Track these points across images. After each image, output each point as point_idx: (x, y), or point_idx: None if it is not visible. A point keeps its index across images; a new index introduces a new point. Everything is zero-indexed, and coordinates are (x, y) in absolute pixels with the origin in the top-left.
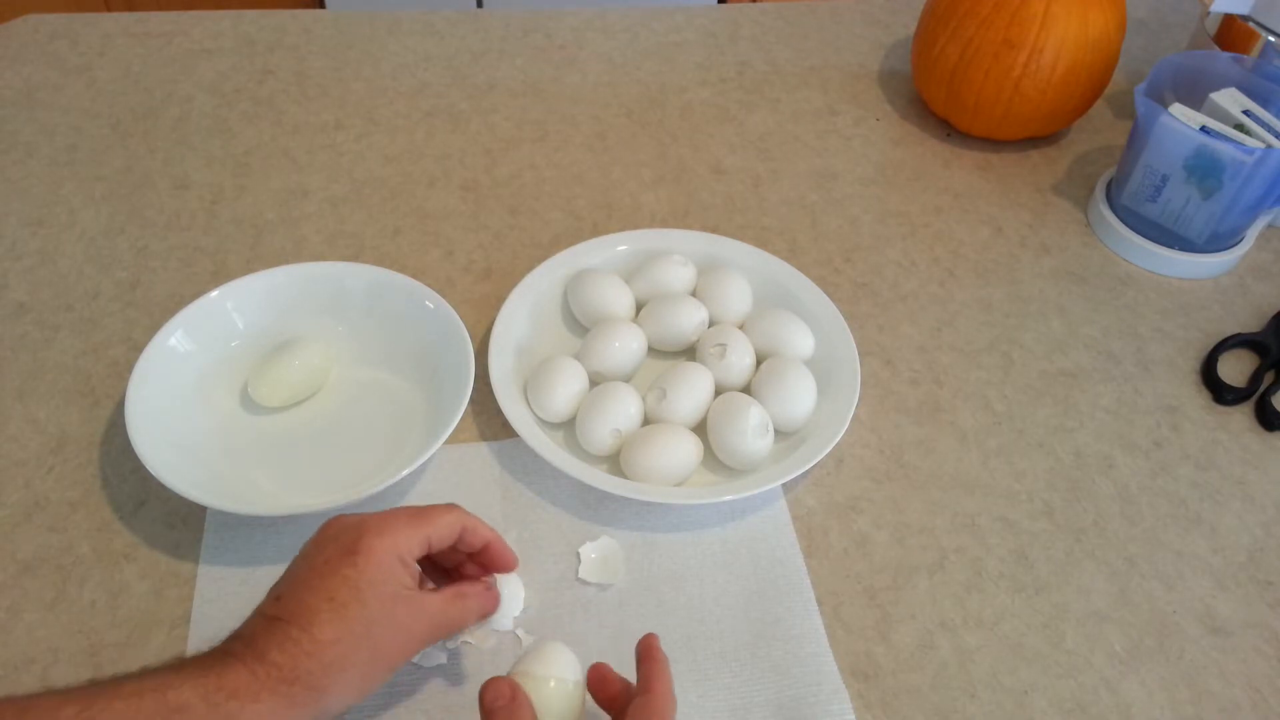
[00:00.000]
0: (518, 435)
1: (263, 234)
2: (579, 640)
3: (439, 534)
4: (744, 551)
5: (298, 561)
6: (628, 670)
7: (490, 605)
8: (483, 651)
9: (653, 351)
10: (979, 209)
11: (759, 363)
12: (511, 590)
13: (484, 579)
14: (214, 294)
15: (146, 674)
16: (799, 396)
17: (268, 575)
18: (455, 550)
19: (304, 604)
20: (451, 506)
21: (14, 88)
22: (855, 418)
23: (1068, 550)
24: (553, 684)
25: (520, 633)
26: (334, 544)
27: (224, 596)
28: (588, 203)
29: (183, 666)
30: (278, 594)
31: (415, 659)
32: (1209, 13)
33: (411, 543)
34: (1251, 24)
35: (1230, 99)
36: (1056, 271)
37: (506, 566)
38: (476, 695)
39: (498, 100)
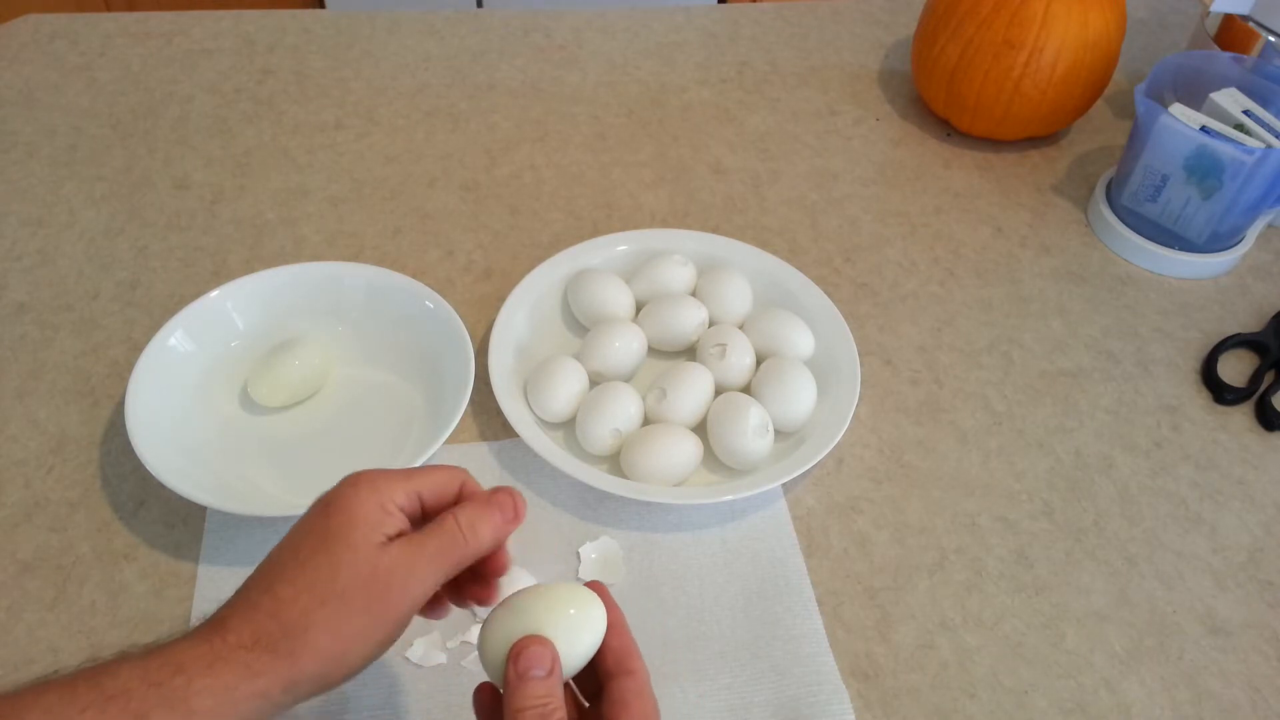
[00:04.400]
0: (518, 435)
1: (263, 234)
2: None
3: (431, 486)
4: (744, 551)
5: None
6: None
7: (505, 511)
8: None
9: (653, 351)
10: (979, 209)
11: (759, 363)
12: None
13: (491, 494)
14: (214, 294)
15: (89, 664)
16: (799, 396)
17: None
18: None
19: (270, 564)
20: (454, 467)
21: (14, 88)
22: (855, 418)
23: (1068, 550)
24: (573, 612)
25: None
26: (315, 503)
27: (224, 596)
28: (588, 203)
29: (130, 651)
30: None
31: (415, 659)
32: (1209, 13)
33: (395, 489)
34: (1251, 24)
35: (1230, 99)
36: (1056, 271)
37: (500, 538)
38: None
39: (498, 100)
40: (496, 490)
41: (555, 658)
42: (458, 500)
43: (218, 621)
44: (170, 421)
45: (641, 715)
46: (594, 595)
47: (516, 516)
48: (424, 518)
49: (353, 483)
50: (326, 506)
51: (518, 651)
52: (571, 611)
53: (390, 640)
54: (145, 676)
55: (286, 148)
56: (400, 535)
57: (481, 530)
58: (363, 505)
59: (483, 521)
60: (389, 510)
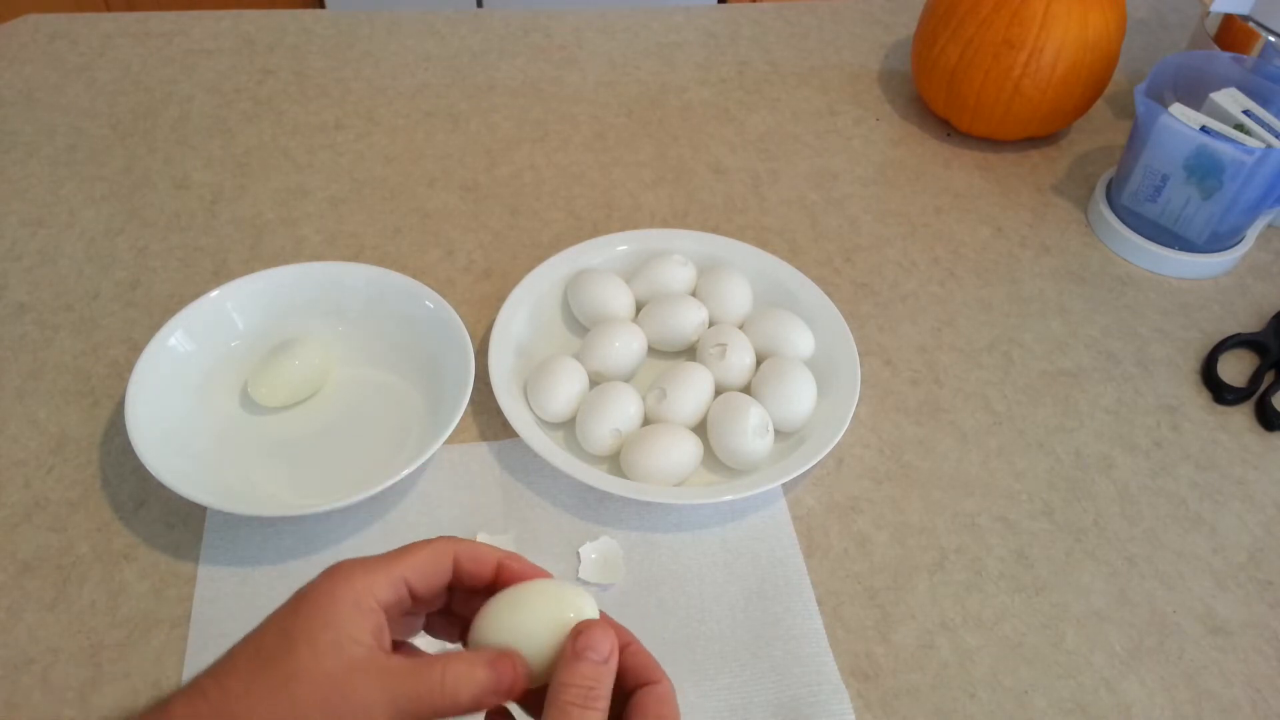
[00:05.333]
0: (518, 435)
1: (263, 234)
2: None
3: (419, 569)
4: (744, 551)
5: None
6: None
7: (501, 681)
8: None
9: (653, 351)
10: (979, 209)
11: (759, 363)
12: None
13: (503, 650)
14: (214, 294)
15: None
16: (799, 396)
17: (267, 575)
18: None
19: (230, 656)
20: (441, 538)
21: (14, 88)
22: (855, 418)
23: (1068, 550)
24: (572, 615)
25: None
26: (296, 592)
27: (224, 596)
28: (588, 203)
29: None
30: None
31: None
32: (1209, 13)
33: (376, 580)
34: (1251, 24)
35: (1230, 99)
36: (1056, 271)
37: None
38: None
39: (498, 100)
40: (502, 654)
41: (614, 648)
42: (452, 579)
43: (162, 705)
44: (170, 421)
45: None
46: (588, 595)
47: (510, 691)
48: (415, 602)
49: (330, 575)
50: (299, 601)
51: (579, 630)
52: (570, 614)
53: None
54: None
55: (286, 148)
56: (378, 633)
57: (463, 690)
58: (336, 603)
59: (468, 681)
60: (367, 607)
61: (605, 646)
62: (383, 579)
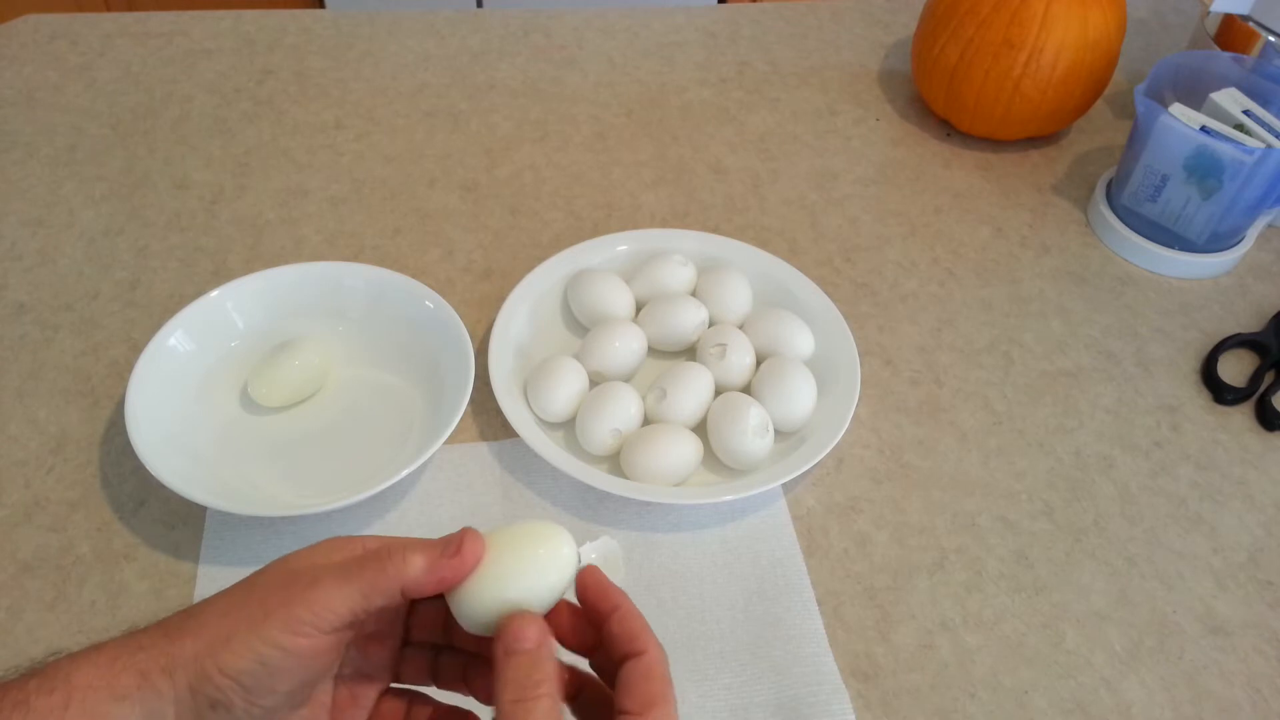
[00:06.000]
0: (518, 435)
1: (263, 234)
2: None
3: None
4: (744, 551)
5: None
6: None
7: (450, 545)
8: None
9: (653, 351)
10: (979, 209)
11: (759, 363)
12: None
13: (461, 535)
14: (214, 294)
15: None
16: (799, 396)
17: None
18: None
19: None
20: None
21: (14, 88)
22: (855, 418)
23: (1068, 550)
24: (541, 552)
25: None
26: None
27: None
28: (588, 203)
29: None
30: None
31: None
32: (1209, 13)
33: (367, 539)
34: (1251, 24)
35: (1230, 99)
36: (1056, 271)
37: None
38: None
39: (498, 100)
40: (458, 532)
41: (543, 632)
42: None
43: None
44: (170, 421)
45: (645, 698)
46: (564, 532)
47: (459, 555)
48: None
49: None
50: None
51: (502, 626)
52: (540, 551)
53: (283, 649)
54: (31, 669)
55: (286, 148)
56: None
57: (413, 558)
58: (320, 544)
59: (418, 550)
60: (352, 542)
61: (531, 633)
62: (372, 537)
